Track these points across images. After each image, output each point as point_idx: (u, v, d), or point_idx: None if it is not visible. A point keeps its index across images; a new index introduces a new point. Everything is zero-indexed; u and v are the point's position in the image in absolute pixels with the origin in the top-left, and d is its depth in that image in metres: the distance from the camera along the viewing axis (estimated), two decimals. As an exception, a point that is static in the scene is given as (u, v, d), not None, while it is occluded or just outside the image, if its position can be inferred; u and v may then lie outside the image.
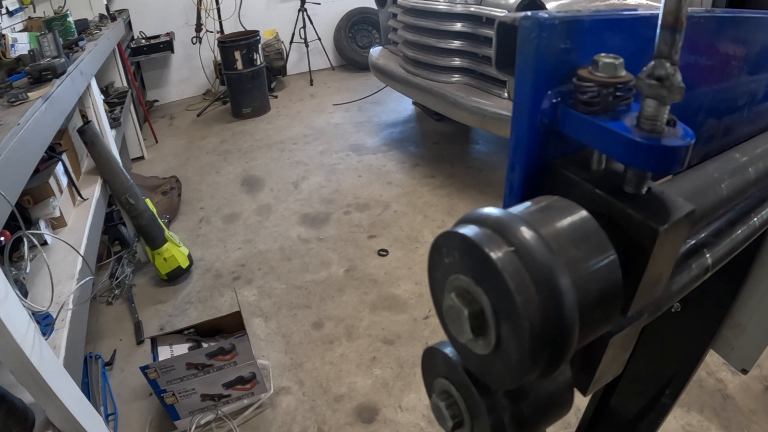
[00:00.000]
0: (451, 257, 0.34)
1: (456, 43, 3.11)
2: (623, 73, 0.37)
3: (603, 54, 0.37)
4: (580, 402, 0.79)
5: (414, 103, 4.72)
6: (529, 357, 0.30)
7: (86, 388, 1.89)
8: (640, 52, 0.34)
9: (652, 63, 0.34)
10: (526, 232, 0.31)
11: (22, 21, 3.44)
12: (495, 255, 0.30)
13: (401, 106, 4.89)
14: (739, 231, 0.55)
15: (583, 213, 0.34)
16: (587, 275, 0.32)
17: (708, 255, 0.52)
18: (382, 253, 2.77)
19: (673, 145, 0.33)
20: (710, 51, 0.51)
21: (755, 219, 0.57)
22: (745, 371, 1.04)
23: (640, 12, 0.42)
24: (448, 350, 0.42)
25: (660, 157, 0.33)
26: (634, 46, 0.38)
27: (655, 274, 0.37)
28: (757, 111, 0.60)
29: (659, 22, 0.33)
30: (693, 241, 0.54)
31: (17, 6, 3.45)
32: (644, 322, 0.44)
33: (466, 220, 0.35)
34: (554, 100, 0.39)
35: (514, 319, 0.30)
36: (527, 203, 0.35)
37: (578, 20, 0.38)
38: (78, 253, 1.73)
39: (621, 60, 0.37)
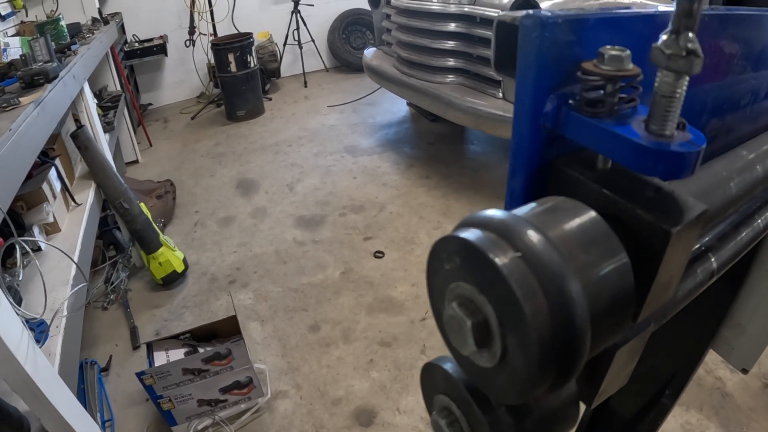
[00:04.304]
0: (452, 263, 0.32)
1: (450, 44, 3.10)
2: (630, 66, 0.35)
3: (608, 46, 0.35)
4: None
5: (408, 104, 4.71)
6: (537, 370, 0.28)
7: (82, 395, 1.87)
8: (648, 54, 0.33)
9: (670, 30, 0.32)
10: (534, 236, 0.29)
11: (15, 25, 3.41)
12: (500, 261, 0.29)
13: (396, 107, 4.88)
14: (744, 234, 0.54)
15: (592, 214, 0.33)
16: (599, 281, 0.30)
17: (713, 259, 0.51)
18: (378, 255, 2.76)
19: (683, 150, 0.31)
20: (711, 49, 0.49)
21: (759, 221, 0.56)
22: (745, 371, 1.04)
23: (650, 9, 0.40)
24: (448, 366, 0.40)
25: (669, 162, 0.31)
26: (642, 48, 0.36)
27: (666, 278, 0.36)
28: (758, 109, 0.59)
29: None
30: (698, 245, 0.52)
31: (9, 10, 3.42)
32: (650, 333, 0.42)
33: (467, 224, 0.33)
34: (557, 103, 0.37)
35: (522, 330, 0.28)
36: (532, 204, 0.34)
37: (582, 19, 0.36)
38: (71, 259, 1.72)
39: (628, 52, 0.35)
